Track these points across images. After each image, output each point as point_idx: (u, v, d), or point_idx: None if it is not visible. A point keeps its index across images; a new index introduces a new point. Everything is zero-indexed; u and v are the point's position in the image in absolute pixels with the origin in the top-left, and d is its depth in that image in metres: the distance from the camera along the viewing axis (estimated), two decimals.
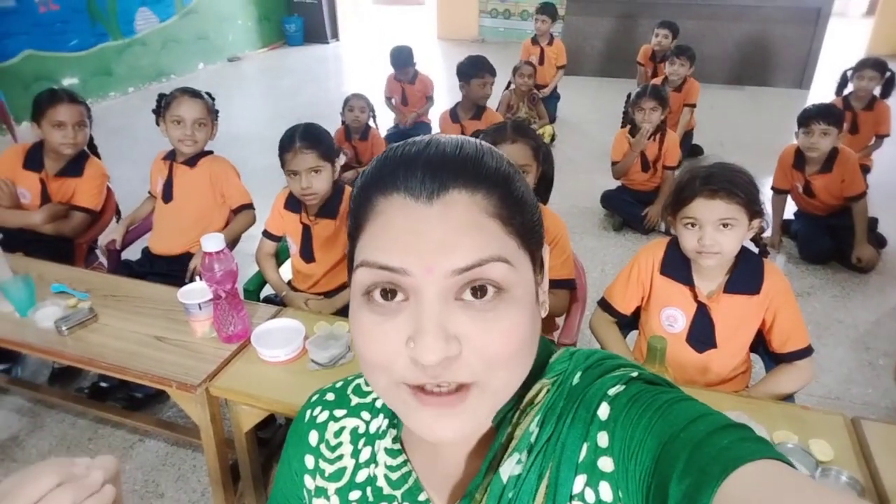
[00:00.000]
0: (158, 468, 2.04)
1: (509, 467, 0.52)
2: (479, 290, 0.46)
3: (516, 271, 0.48)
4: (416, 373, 0.46)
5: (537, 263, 0.53)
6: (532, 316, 0.50)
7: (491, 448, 0.53)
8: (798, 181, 3.27)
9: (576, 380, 0.54)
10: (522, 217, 0.50)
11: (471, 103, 3.79)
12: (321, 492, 0.64)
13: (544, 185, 1.93)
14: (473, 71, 3.70)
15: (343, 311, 2.04)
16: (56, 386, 2.37)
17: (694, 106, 4.52)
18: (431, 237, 0.45)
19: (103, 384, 2.22)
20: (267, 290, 2.30)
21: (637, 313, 1.79)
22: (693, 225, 1.52)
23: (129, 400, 2.19)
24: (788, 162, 3.27)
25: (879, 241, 3.30)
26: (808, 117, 3.03)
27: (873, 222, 3.32)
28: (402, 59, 4.59)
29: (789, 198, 3.39)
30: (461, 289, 0.46)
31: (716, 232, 1.49)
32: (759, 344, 1.67)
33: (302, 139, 1.93)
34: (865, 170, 3.65)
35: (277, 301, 2.15)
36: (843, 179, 3.09)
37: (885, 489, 1.14)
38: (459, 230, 0.46)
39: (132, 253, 2.56)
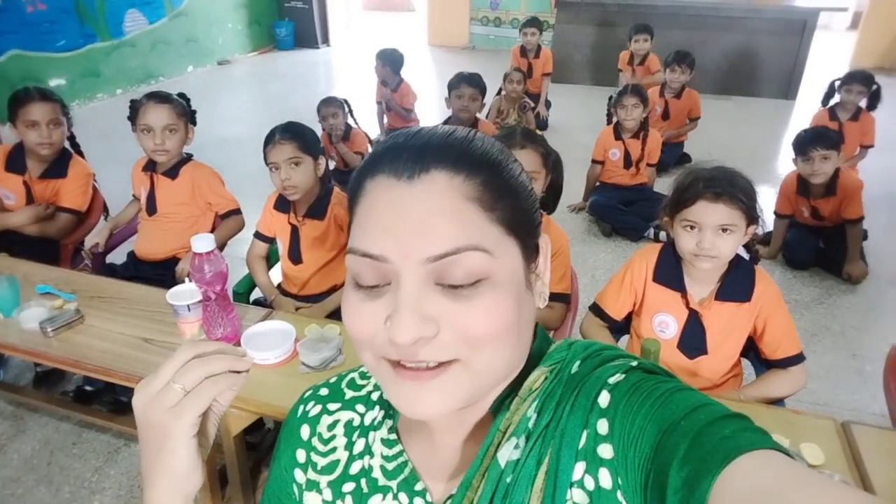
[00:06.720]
0: None
1: (507, 452, 0.52)
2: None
3: (496, 260, 0.48)
4: (394, 351, 0.48)
5: (531, 250, 0.53)
6: (517, 300, 0.50)
7: (488, 434, 0.53)
8: (804, 206, 3.23)
9: (574, 368, 0.54)
10: (511, 202, 0.50)
11: (456, 119, 3.64)
12: (312, 485, 0.64)
13: (553, 193, 1.91)
14: (454, 82, 3.61)
15: (334, 314, 2.02)
16: (40, 389, 2.32)
17: (698, 118, 4.63)
18: (410, 218, 0.47)
19: (88, 388, 2.18)
20: (256, 294, 2.28)
21: (629, 318, 1.79)
22: (692, 227, 1.51)
23: (114, 404, 2.15)
24: (791, 189, 3.23)
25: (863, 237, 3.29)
26: (805, 144, 2.98)
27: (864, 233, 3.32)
28: (391, 59, 4.59)
29: None
30: (440, 275, 0.48)
31: (715, 236, 1.48)
32: (751, 350, 1.68)
33: (282, 132, 1.95)
34: None
35: (267, 304, 2.13)
36: (843, 199, 3.06)
37: (876, 492, 1.15)
38: (437, 213, 0.47)
39: (117, 257, 2.52)
